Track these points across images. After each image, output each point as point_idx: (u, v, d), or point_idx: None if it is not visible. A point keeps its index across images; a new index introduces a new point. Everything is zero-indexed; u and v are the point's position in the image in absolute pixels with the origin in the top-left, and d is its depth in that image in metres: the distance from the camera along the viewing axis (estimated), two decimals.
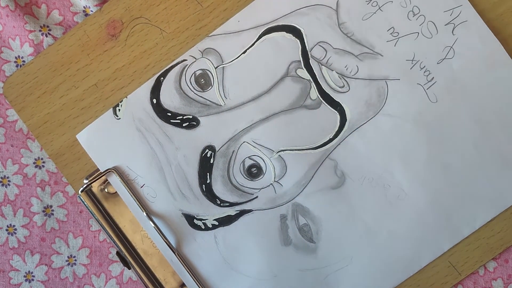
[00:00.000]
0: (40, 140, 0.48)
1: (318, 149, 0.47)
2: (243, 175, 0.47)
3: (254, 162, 0.47)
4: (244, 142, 0.47)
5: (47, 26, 0.49)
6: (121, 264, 0.48)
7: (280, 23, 0.46)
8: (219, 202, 0.47)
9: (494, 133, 0.46)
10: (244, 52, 0.47)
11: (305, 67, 0.46)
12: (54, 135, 0.48)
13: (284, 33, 0.46)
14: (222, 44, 0.47)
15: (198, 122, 0.47)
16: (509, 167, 0.46)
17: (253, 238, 0.47)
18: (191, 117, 0.47)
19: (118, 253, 0.47)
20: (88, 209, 0.47)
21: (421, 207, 0.46)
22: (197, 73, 0.47)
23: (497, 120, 0.46)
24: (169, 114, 0.47)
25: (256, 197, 0.47)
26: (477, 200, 0.46)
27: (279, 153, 0.47)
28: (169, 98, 0.47)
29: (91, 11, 0.48)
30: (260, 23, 0.47)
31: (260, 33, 0.47)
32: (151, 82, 0.47)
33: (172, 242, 0.47)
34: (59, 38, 0.48)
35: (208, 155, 0.47)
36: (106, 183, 0.47)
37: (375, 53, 0.46)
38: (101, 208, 0.47)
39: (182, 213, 0.47)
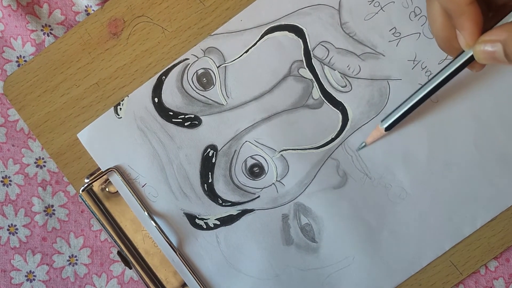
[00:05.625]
0: (40, 139, 0.46)
1: (320, 148, 0.45)
2: (245, 175, 0.45)
3: (256, 162, 0.45)
4: (246, 141, 0.45)
5: (49, 26, 0.47)
6: (122, 264, 0.47)
7: (283, 23, 0.45)
8: (221, 202, 0.45)
9: (494, 132, 0.44)
10: (246, 51, 0.45)
11: (307, 67, 0.45)
12: (55, 134, 0.46)
13: (286, 32, 0.45)
14: (224, 43, 0.45)
15: (200, 121, 0.45)
16: (510, 167, 0.44)
17: (255, 237, 0.45)
18: (193, 116, 0.45)
19: (119, 253, 0.45)
20: (89, 209, 0.45)
21: (422, 207, 0.44)
22: (199, 72, 0.45)
23: (497, 120, 0.44)
24: (171, 113, 0.45)
25: (258, 196, 0.45)
26: (478, 199, 0.44)
27: (281, 153, 0.45)
28: (171, 97, 0.45)
29: (93, 10, 0.47)
30: (263, 22, 0.45)
31: (263, 32, 0.45)
32: (152, 81, 0.45)
33: (174, 241, 0.45)
34: (60, 37, 0.46)
35: (210, 155, 0.45)
36: (107, 182, 0.46)
37: (377, 53, 0.44)
38: (102, 208, 0.45)
39: (184, 213, 0.45)
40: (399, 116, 0.41)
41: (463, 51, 0.37)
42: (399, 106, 0.41)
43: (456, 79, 0.44)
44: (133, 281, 0.47)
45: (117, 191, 0.45)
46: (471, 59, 0.36)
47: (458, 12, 0.33)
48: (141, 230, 0.46)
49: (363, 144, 0.44)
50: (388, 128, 0.42)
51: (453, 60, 0.38)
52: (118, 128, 0.45)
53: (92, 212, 0.45)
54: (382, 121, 0.42)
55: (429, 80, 0.40)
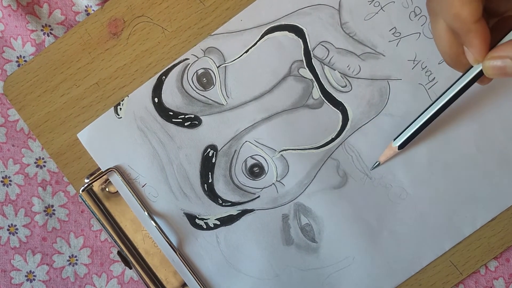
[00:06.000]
0: (40, 139, 0.45)
1: (320, 148, 0.44)
2: (245, 175, 0.45)
3: (256, 162, 0.44)
4: (246, 141, 0.44)
5: (49, 26, 0.47)
6: (122, 264, 0.46)
7: (283, 23, 0.44)
8: (221, 202, 0.45)
9: (494, 132, 0.44)
10: (246, 51, 0.45)
11: (307, 67, 0.44)
12: (55, 134, 0.45)
13: (286, 32, 0.44)
14: (225, 43, 0.44)
15: (200, 121, 0.45)
16: (510, 167, 0.44)
17: (255, 237, 0.45)
18: (193, 116, 0.45)
19: (119, 253, 0.45)
20: (89, 209, 0.45)
21: (422, 207, 0.44)
22: (199, 72, 0.45)
23: (497, 120, 0.44)
24: (171, 113, 0.45)
25: (258, 196, 0.45)
26: (478, 199, 0.44)
27: (281, 153, 0.45)
28: (171, 97, 0.45)
29: (93, 10, 0.46)
30: (263, 22, 0.44)
31: (263, 32, 0.44)
32: (152, 81, 0.45)
33: (174, 241, 0.45)
34: (60, 37, 0.46)
35: (210, 155, 0.44)
36: (107, 182, 0.45)
37: (377, 53, 0.44)
38: (102, 208, 0.45)
39: (184, 213, 0.45)
40: (412, 134, 0.41)
41: (472, 66, 0.37)
42: (411, 124, 0.41)
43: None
44: (133, 281, 0.47)
45: (117, 191, 0.45)
46: (480, 74, 0.36)
47: (465, 30, 0.33)
48: (141, 230, 0.45)
49: (377, 163, 0.43)
50: (401, 147, 0.42)
51: (462, 76, 0.38)
52: (118, 128, 0.45)
53: (92, 212, 0.45)
54: (394, 139, 0.42)
55: (440, 97, 0.39)
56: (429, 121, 0.40)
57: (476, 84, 0.44)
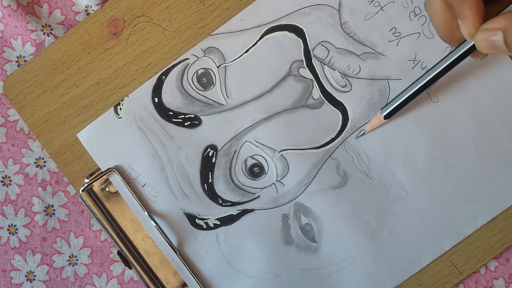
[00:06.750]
0: (40, 139, 0.45)
1: (320, 148, 0.44)
2: (245, 175, 0.44)
3: (256, 162, 0.44)
4: (246, 141, 0.44)
5: (49, 26, 0.47)
6: (122, 264, 0.46)
7: (283, 23, 0.44)
8: (221, 202, 0.45)
9: (494, 132, 0.44)
10: (246, 51, 0.44)
11: (307, 67, 0.44)
12: (55, 134, 0.45)
13: (286, 32, 0.44)
14: (225, 43, 0.44)
15: (200, 121, 0.45)
16: (510, 167, 0.44)
17: (255, 237, 0.45)
18: (193, 116, 0.45)
19: (119, 253, 0.45)
20: (89, 209, 0.45)
21: (422, 207, 0.44)
22: (199, 72, 0.45)
23: (497, 120, 0.44)
24: (171, 113, 0.45)
25: (258, 196, 0.45)
26: (478, 199, 0.44)
27: (281, 153, 0.44)
28: (171, 97, 0.45)
29: (93, 10, 0.46)
30: (263, 22, 0.44)
31: (263, 32, 0.44)
32: (152, 81, 0.45)
33: (174, 241, 0.45)
34: (60, 37, 0.46)
35: (210, 154, 0.44)
36: (107, 182, 0.45)
37: (377, 53, 0.44)
38: (102, 208, 0.45)
39: (184, 213, 0.45)
40: (399, 104, 0.41)
41: (465, 40, 0.37)
42: (399, 94, 0.41)
43: (456, 78, 0.44)
44: (133, 281, 0.47)
45: (117, 191, 0.45)
46: (473, 48, 0.36)
47: (459, 2, 0.34)
48: (141, 230, 0.45)
49: (362, 132, 0.43)
50: (387, 116, 0.41)
51: (455, 49, 0.38)
52: (118, 128, 0.45)
53: (92, 212, 0.45)
54: (381, 109, 0.42)
55: (431, 69, 0.39)
56: (417, 92, 0.40)
57: (476, 85, 0.44)
